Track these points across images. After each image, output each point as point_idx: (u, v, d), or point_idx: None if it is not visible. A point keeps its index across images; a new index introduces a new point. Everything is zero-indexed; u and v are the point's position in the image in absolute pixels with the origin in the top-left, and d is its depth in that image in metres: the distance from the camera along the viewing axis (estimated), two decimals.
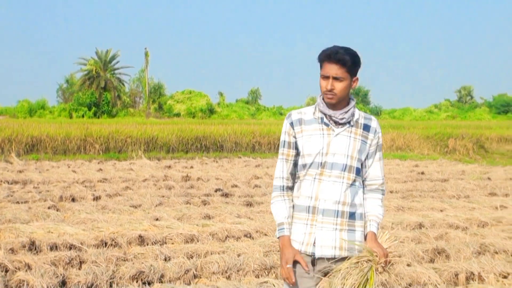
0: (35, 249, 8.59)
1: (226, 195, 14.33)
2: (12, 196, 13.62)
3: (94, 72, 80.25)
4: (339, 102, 3.92)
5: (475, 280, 7.52)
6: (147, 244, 9.05)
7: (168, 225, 10.11)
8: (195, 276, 7.55)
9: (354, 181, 3.95)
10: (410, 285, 7.29)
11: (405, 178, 18.46)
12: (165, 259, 8.13)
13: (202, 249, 8.60)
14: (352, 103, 4.00)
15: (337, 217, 3.89)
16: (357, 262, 3.82)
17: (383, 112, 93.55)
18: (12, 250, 8.44)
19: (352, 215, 3.93)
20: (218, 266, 7.72)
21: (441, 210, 12.20)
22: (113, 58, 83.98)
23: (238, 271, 7.69)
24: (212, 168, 21.96)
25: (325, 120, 3.94)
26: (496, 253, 8.79)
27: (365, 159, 4.01)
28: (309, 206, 3.91)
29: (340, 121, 3.92)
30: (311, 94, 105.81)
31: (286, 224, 3.98)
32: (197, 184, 16.34)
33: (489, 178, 18.53)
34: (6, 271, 7.38)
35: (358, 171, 3.98)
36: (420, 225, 10.54)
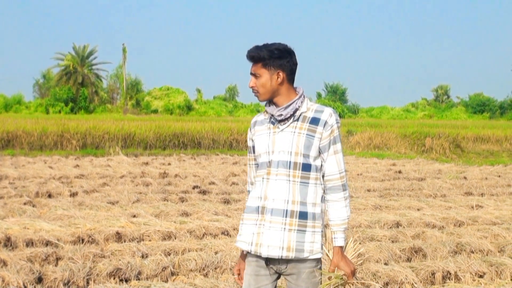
0: (11, 245, 8.53)
1: (203, 192, 14.30)
2: None
3: (71, 67, 79.81)
4: (271, 99, 3.88)
5: (452, 279, 7.56)
6: (124, 241, 9.02)
7: (146, 222, 10.07)
8: (172, 274, 7.53)
9: (305, 178, 3.82)
10: (387, 284, 7.31)
11: (382, 176, 18.53)
12: (143, 256, 8.10)
13: (180, 246, 8.57)
14: (295, 97, 3.88)
15: (285, 216, 3.78)
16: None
17: (361, 110, 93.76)
18: None
19: (303, 215, 3.80)
20: (196, 264, 7.70)
21: (418, 209, 12.27)
22: (90, 53, 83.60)
23: (215, 268, 7.68)
24: (190, 165, 21.93)
25: (272, 119, 3.91)
26: (472, 252, 8.84)
27: (319, 154, 3.87)
28: (258, 207, 3.85)
29: (278, 118, 3.83)
30: None
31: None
32: (175, 181, 16.30)
33: (465, 178, 18.66)
34: None
35: (307, 167, 3.83)
36: (398, 224, 10.59)
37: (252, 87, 3.87)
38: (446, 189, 15.73)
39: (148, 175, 17.56)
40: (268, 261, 3.88)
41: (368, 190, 15.35)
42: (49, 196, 13.28)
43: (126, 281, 7.23)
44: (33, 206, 11.76)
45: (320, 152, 3.87)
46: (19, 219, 10.17)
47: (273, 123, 3.89)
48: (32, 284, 6.87)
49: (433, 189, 15.71)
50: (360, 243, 4.07)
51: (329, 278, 3.86)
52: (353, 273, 3.84)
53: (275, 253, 3.79)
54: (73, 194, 13.50)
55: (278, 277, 3.99)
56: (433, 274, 7.58)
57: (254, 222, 3.85)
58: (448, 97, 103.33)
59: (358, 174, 19.08)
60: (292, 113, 3.85)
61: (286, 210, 3.78)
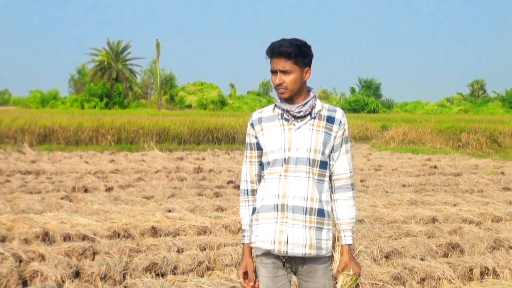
0: (49, 239, 8.61)
1: (238, 187, 14.30)
2: (25, 186, 13.65)
3: (105, 63, 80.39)
4: (293, 96, 3.82)
5: (490, 275, 7.47)
6: (160, 236, 9.05)
7: (181, 216, 10.10)
8: (208, 268, 7.54)
9: (321, 175, 3.84)
10: (423, 279, 7.25)
11: (417, 172, 18.38)
12: (178, 251, 8.13)
13: (215, 241, 8.59)
14: (311, 95, 3.89)
15: (305, 214, 3.78)
16: None
17: (395, 105, 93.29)
18: (26, 241, 8.46)
19: (321, 212, 3.83)
20: (231, 259, 7.70)
21: (455, 205, 12.14)
22: (124, 49, 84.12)
23: None
24: (224, 160, 21.96)
25: (284, 115, 3.84)
26: (511, 248, 8.73)
27: (331, 153, 3.88)
28: (277, 204, 3.79)
29: (298, 115, 3.80)
30: (322, 86, 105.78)
31: (246, 231, 3.94)
32: (209, 176, 16.33)
33: (502, 173, 18.43)
34: (20, 261, 7.39)
35: (324, 165, 3.85)
36: (434, 220, 10.49)
37: (280, 84, 3.78)
38: (483, 185, 15.55)
39: (183, 170, 17.62)
40: (285, 260, 3.86)
41: (403, 185, 15.24)
42: (85, 190, 13.38)
43: (162, 275, 7.26)
44: (70, 200, 11.86)
45: (332, 150, 3.88)
46: (57, 213, 10.26)
47: (287, 120, 3.82)
48: (70, 278, 6.92)
49: (469, 184, 15.54)
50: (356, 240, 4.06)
51: (345, 280, 3.86)
52: (360, 271, 3.91)
53: (299, 251, 3.77)
54: (109, 189, 13.59)
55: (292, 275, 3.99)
56: (470, 270, 7.50)
57: (274, 220, 3.79)
58: (484, 91, 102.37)
59: (393, 169, 18.95)
60: (310, 110, 3.84)
61: (306, 208, 3.78)
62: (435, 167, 19.81)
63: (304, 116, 3.82)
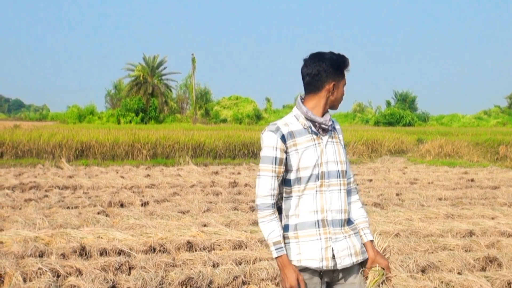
0: (86, 254, 8.69)
1: None
2: (63, 201, 13.79)
3: (141, 78, 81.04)
4: None
5: None
6: (196, 250, 9.08)
7: (216, 231, 10.12)
8: (244, 283, 7.55)
9: (346, 185, 3.96)
10: None
11: (454, 185, 18.22)
12: (214, 265, 8.15)
13: (251, 255, 8.59)
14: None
15: (342, 226, 3.88)
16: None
17: (431, 118, 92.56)
18: (63, 255, 8.55)
19: (350, 221, 3.98)
20: (267, 273, 7.70)
21: (492, 218, 12.01)
22: (160, 64, 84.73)
23: None
24: None
25: (313, 129, 3.85)
26: None
27: None
28: (317, 221, 3.80)
29: (329, 128, 3.89)
30: (358, 100, 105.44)
31: (282, 243, 3.82)
32: (245, 190, 16.36)
33: None
34: (58, 276, 7.47)
35: (346, 175, 3.99)
36: (471, 233, 10.39)
37: None
38: None
39: (218, 185, 17.67)
40: (323, 273, 3.87)
41: (440, 199, 15.11)
42: (121, 205, 13.48)
43: None
44: (106, 215, 11.96)
45: None
46: (93, 228, 10.35)
47: (315, 134, 3.85)
48: None
49: (508, 197, 15.36)
50: (382, 238, 4.06)
51: (373, 276, 3.89)
52: (388, 265, 3.97)
53: (347, 262, 3.85)
54: (144, 204, 13.67)
55: None
56: (509, 284, 7.42)
57: (317, 237, 3.81)
58: None
59: (429, 183, 18.81)
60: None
61: (342, 220, 3.89)
62: (472, 180, 19.62)
63: (328, 130, 3.90)
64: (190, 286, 7.34)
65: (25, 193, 15.15)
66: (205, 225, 10.91)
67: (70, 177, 19.23)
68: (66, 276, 7.49)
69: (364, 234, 3.99)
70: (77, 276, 7.50)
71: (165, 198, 14.46)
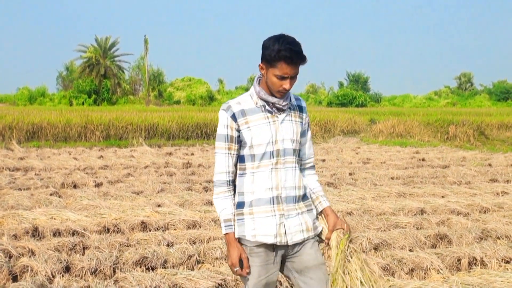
0: (38, 235, 8.62)
1: None
2: (14, 183, 13.64)
3: (94, 59, 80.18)
4: None
5: (478, 265, 7.54)
6: (150, 230, 9.08)
7: (171, 211, 10.12)
8: (198, 262, 7.57)
9: (297, 163, 3.99)
10: (412, 270, 7.31)
11: (406, 164, 18.45)
12: (168, 245, 8.15)
13: (205, 234, 8.62)
14: None
15: (296, 202, 3.93)
16: (344, 253, 3.90)
17: (383, 99, 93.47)
18: (15, 236, 8.47)
19: (304, 197, 4.01)
20: (221, 252, 7.74)
21: (443, 196, 12.21)
22: (112, 45, 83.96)
23: None
24: (213, 154, 21.95)
25: (267, 107, 3.86)
26: (498, 238, 8.81)
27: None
28: (272, 197, 3.85)
29: (284, 108, 3.88)
30: (311, 80, 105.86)
31: (232, 221, 3.90)
32: (198, 171, 16.35)
33: (490, 165, 18.53)
34: (10, 257, 7.40)
35: (298, 153, 4.02)
36: (422, 211, 10.55)
37: (288, 89, 3.81)
38: (470, 176, 15.63)
39: (172, 165, 17.64)
40: (276, 248, 3.93)
41: (392, 178, 15.30)
42: (75, 186, 13.38)
43: (153, 269, 7.28)
44: (59, 196, 11.86)
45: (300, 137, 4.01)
46: (46, 209, 10.26)
47: (270, 112, 3.86)
48: (60, 273, 6.94)
49: (457, 176, 15.61)
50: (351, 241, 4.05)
51: (337, 240, 3.93)
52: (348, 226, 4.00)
53: (298, 238, 3.92)
54: (98, 185, 13.59)
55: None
56: (459, 260, 7.57)
57: (272, 213, 3.86)
58: (472, 84, 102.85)
59: (381, 162, 19.02)
60: (289, 102, 3.94)
61: (295, 196, 3.93)
62: (423, 159, 19.89)
63: (284, 109, 3.91)
64: (145, 265, 7.34)
65: None
66: (159, 206, 10.89)
67: (21, 158, 18.99)
68: (19, 256, 7.42)
69: (323, 201, 4.05)
70: (30, 256, 7.43)
71: (118, 179, 14.39)
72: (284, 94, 3.82)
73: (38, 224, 9.03)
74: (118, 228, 9.08)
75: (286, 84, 3.76)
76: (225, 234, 3.90)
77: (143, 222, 9.27)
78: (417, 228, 9.33)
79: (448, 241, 8.54)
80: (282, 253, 3.96)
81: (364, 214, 10.30)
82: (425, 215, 10.23)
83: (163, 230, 9.08)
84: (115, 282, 6.73)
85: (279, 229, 3.85)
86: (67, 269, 7.12)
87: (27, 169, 16.52)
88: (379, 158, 20.30)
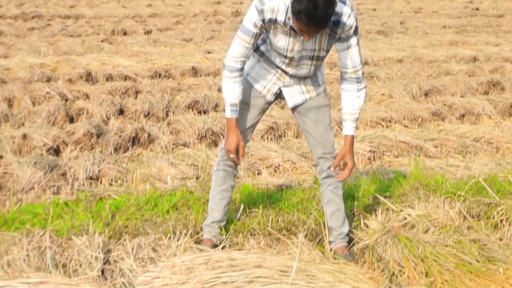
0: (92, 79, 8.78)
1: None
2: (66, 30, 13.73)
3: None
4: None
5: None
6: (201, 76, 9.16)
7: (220, 57, 10.14)
8: None
9: (319, 62, 3.82)
10: (463, 115, 7.32)
11: (458, 14, 18.05)
12: (219, 90, 8.22)
13: None
14: None
15: (300, 80, 3.87)
16: None
17: None
18: (70, 81, 8.63)
19: (315, 81, 3.92)
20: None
21: (496, 45, 11.99)
22: None
23: None
24: None
25: (294, 28, 3.54)
26: None
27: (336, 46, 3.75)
28: (279, 66, 3.81)
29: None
30: None
31: (237, 106, 3.80)
32: None
33: None
34: (66, 100, 7.58)
35: (325, 58, 3.84)
36: (474, 59, 10.42)
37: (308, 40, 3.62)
38: None
39: (221, 14, 17.51)
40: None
41: (444, 27, 15.01)
42: (125, 34, 13.43)
43: (204, 112, 7.40)
44: (110, 43, 11.96)
45: (336, 44, 3.72)
46: (98, 55, 10.38)
47: (294, 32, 3.56)
48: (114, 115, 7.12)
49: None
50: None
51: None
52: (352, 168, 3.85)
53: (299, 100, 3.93)
54: (148, 32, 13.62)
55: None
56: (511, 106, 7.53)
57: (273, 72, 3.89)
58: None
59: (433, 12, 18.62)
60: None
61: (302, 77, 3.85)
62: (477, 9, 19.41)
63: None
64: (197, 109, 7.45)
65: (28, 23, 15.03)
66: (209, 52, 10.92)
67: (72, 7, 19.00)
68: (74, 100, 7.59)
69: (345, 126, 3.87)
70: (85, 99, 7.61)
71: (168, 27, 14.39)
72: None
73: (91, 69, 9.16)
74: (169, 74, 9.17)
75: (306, 36, 3.53)
76: (228, 118, 3.83)
77: (193, 68, 9.34)
78: (469, 75, 9.24)
79: (501, 87, 8.47)
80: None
81: (415, 62, 10.21)
82: (478, 63, 10.11)
83: (213, 76, 9.14)
84: (168, 124, 6.88)
85: (271, 87, 3.89)
86: (121, 111, 7.29)
87: (77, 17, 16.54)
88: (431, 8, 19.85)
